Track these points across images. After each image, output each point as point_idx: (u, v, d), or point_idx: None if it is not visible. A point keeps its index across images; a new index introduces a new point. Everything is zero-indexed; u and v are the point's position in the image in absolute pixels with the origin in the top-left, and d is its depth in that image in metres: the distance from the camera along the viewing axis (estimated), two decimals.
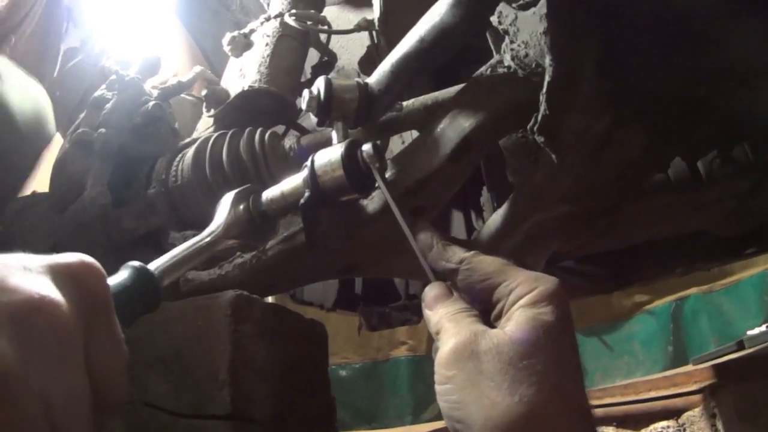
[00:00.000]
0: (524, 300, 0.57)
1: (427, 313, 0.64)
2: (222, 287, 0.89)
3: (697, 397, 2.08)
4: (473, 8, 0.69)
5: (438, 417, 3.73)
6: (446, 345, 0.57)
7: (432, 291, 0.65)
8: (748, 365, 2.11)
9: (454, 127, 0.78)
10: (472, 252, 0.64)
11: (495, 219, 0.90)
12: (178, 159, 1.06)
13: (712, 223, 1.27)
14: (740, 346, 2.33)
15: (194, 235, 1.00)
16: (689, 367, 2.43)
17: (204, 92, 1.13)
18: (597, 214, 0.96)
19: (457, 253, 0.65)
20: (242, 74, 1.13)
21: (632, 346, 3.39)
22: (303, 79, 1.18)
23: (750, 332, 2.39)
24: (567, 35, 0.64)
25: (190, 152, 1.04)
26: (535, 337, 0.54)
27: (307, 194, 0.76)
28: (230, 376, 0.81)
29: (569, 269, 1.53)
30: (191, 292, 0.95)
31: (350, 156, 0.74)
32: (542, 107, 0.68)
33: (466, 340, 0.56)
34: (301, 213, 0.77)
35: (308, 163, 0.77)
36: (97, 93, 1.14)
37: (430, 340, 4.06)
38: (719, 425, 2.04)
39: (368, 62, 1.22)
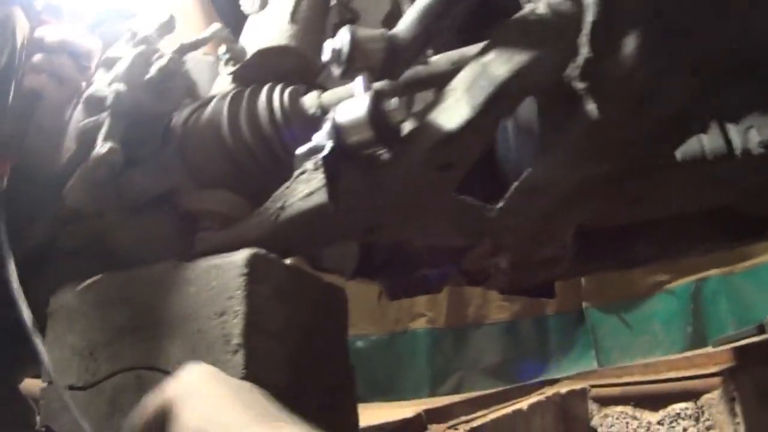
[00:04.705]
0: None
1: None
2: (238, 246, 0.85)
3: (716, 380, 2.06)
4: None
5: (456, 390, 3.69)
6: None
7: None
8: None
9: (487, 76, 0.73)
10: None
11: (526, 179, 0.86)
12: (194, 117, 1.02)
13: (741, 198, 1.23)
14: (761, 329, 2.30)
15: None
16: (709, 349, 2.39)
17: (221, 50, 1.09)
18: (630, 176, 0.93)
19: None
20: (261, 32, 1.09)
21: (652, 326, 3.32)
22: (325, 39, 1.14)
23: None
24: None
25: (207, 110, 1.01)
26: None
27: (329, 145, 0.72)
28: (244, 340, 0.77)
29: (592, 243, 1.49)
30: (205, 251, 0.91)
31: (376, 106, 0.71)
32: (585, 50, 0.63)
33: None
34: (324, 166, 0.73)
35: (331, 113, 0.73)
36: (109, 52, 1.11)
37: (450, 313, 4.05)
38: (738, 409, 2.01)
39: (393, 20, 1.18)
